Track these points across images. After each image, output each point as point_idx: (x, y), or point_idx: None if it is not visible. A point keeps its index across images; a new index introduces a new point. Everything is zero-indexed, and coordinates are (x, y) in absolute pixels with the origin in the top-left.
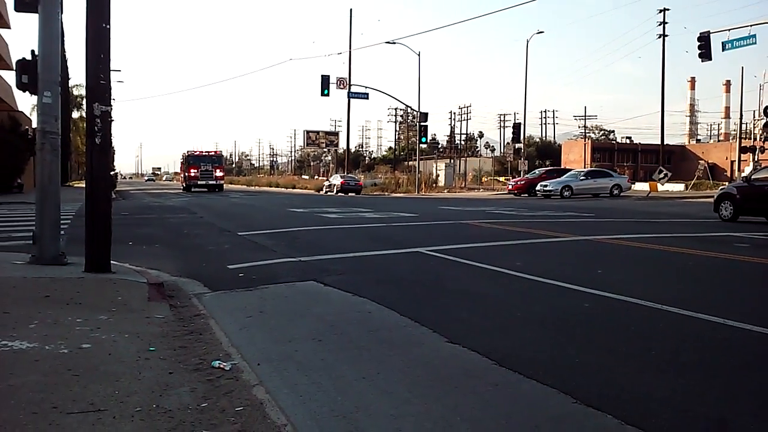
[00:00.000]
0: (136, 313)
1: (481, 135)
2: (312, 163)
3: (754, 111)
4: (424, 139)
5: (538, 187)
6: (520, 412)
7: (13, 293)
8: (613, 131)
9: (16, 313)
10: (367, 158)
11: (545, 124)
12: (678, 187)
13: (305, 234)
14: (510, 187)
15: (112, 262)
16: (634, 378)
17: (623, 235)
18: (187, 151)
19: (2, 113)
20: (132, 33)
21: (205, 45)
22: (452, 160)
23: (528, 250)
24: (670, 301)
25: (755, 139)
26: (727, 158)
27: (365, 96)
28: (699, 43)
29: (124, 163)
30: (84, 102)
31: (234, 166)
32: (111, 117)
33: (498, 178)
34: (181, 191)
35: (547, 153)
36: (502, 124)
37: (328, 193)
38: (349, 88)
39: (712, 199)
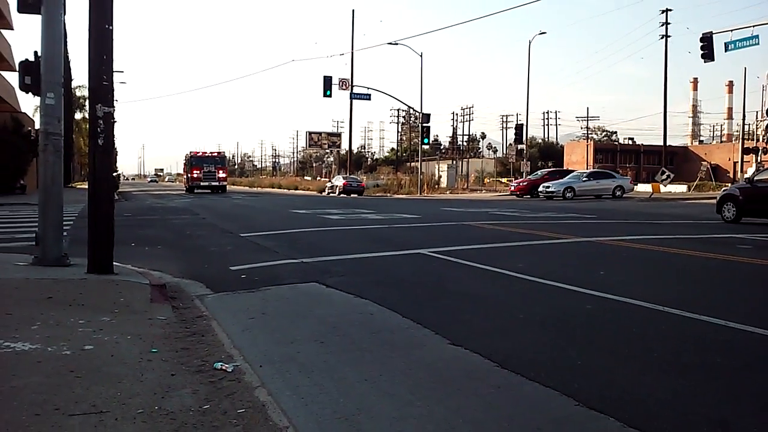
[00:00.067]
0: (139, 314)
1: (483, 136)
2: (314, 165)
3: (756, 112)
4: (426, 140)
5: (540, 189)
6: (522, 414)
7: (15, 294)
8: (616, 132)
9: (19, 314)
10: (369, 159)
11: (548, 125)
12: (681, 188)
13: (307, 235)
14: (512, 188)
15: (114, 263)
16: (636, 380)
17: (625, 236)
18: (190, 152)
19: (5, 114)
20: (134, 34)
21: (207, 46)
22: (454, 162)
23: (530, 252)
24: (672, 302)
25: (758, 141)
26: (729, 159)
27: (367, 97)
28: (701, 44)
29: (126, 165)
30: (87, 103)
31: (236, 167)
32: (114, 118)
33: (500, 180)
34: (183, 192)
35: (550, 154)
36: (505, 125)
37: (331, 195)
38: (352, 89)
39: (714, 201)
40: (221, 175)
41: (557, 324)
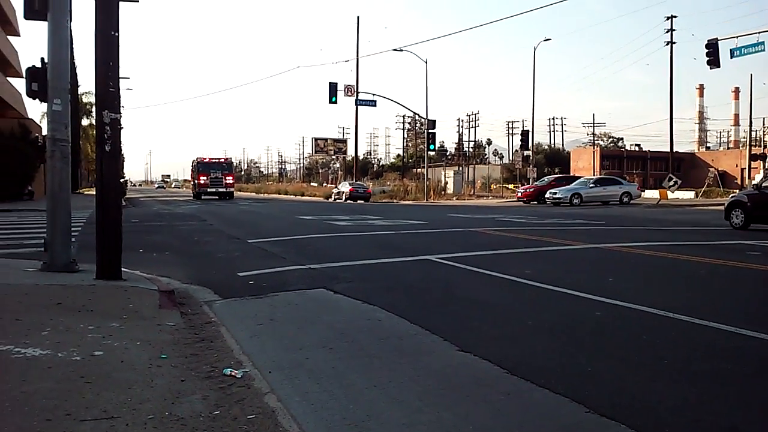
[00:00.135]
0: (148, 320)
1: (489, 142)
2: (320, 171)
3: (764, 118)
4: (432, 147)
5: (547, 195)
6: (531, 421)
7: (25, 300)
8: (622, 139)
9: (29, 320)
10: (375, 165)
11: (554, 131)
12: (688, 194)
13: (314, 241)
14: (519, 194)
15: (122, 269)
16: (646, 387)
17: (634, 243)
18: (197, 158)
19: (13, 121)
20: (141, 41)
21: (213, 53)
22: (461, 168)
23: (538, 258)
24: (681, 309)
25: (765, 147)
26: (737, 166)
27: (373, 103)
28: (707, 50)
29: (133, 171)
30: (93, 109)
31: (243, 173)
32: (120, 124)
33: (507, 186)
34: (190, 198)
35: (556, 160)
36: (511, 132)
37: (337, 201)
38: (357, 96)
39: (722, 207)
40: (228, 181)
41: (566, 331)
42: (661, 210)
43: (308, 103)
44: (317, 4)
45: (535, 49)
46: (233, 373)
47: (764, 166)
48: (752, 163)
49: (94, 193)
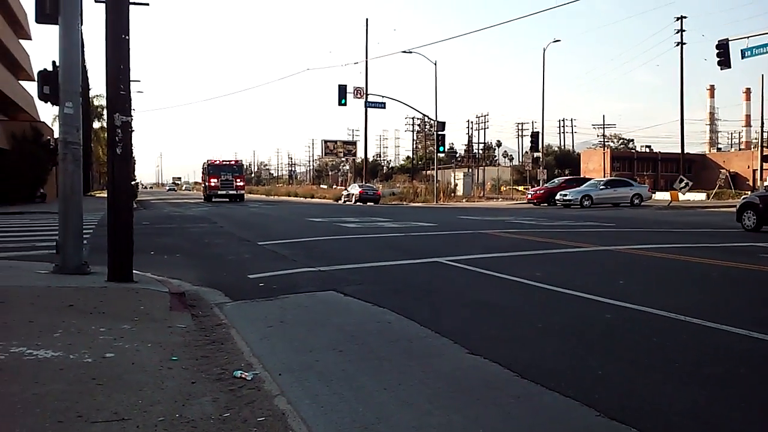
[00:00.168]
0: (159, 322)
1: (499, 144)
2: (330, 173)
3: None
4: (441, 149)
5: (557, 197)
6: (542, 424)
7: (37, 302)
8: (633, 140)
9: (41, 321)
10: (385, 167)
11: (563, 132)
12: (699, 196)
13: (324, 243)
14: (529, 196)
15: (134, 271)
16: (657, 390)
17: (644, 245)
18: (208, 161)
19: (25, 124)
20: (151, 44)
21: (223, 55)
22: (470, 170)
23: (548, 261)
24: (692, 312)
25: None
26: (749, 167)
27: (382, 105)
28: (718, 51)
29: (144, 173)
30: (105, 112)
31: (253, 175)
32: (131, 127)
33: (517, 188)
34: (201, 201)
35: (566, 162)
36: (520, 133)
37: (347, 203)
38: (366, 98)
39: (734, 209)
40: (239, 183)
41: (577, 333)
42: (672, 212)
43: (318, 105)
44: (327, 7)
45: (544, 50)
46: (243, 375)
47: None
48: (764, 164)
49: (106, 195)
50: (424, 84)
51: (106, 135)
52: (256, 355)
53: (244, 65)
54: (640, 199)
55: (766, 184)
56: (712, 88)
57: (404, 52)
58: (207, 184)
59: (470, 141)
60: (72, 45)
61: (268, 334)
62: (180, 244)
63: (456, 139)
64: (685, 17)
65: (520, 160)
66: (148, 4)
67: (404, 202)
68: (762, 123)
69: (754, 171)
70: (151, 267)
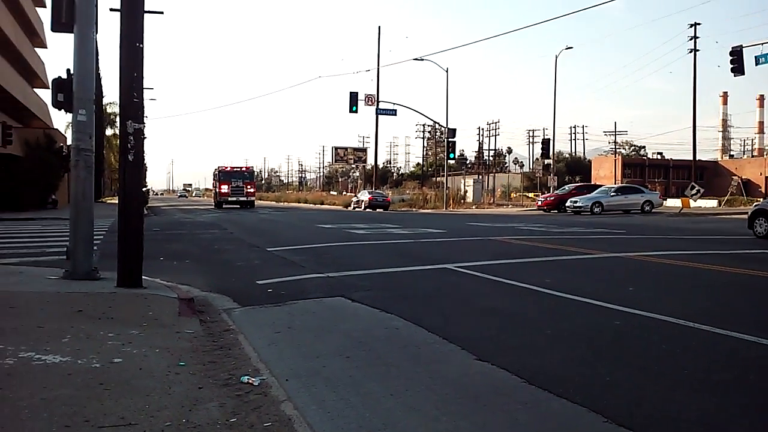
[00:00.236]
0: (167, 328)
1: (509, 151)
2: (340, 179)
3: None
4: (452, 155)
5: (567, 203)
6: (549, 431)
7: (47, 308)
8: (644, 147)
9: (50, 327)
10: (395, 174)
11: (575, 139)
12: (711, 203)
13: (333, 250)
14: (539, 203)
15: (143, 277)
16: (666, 397)
17: (655, 252)
18: (219, 167)
19: (38, 131)
20: (164, 51)
21: (235, 63)
22: (480, 176)
23: (557, 267)
24: (702, 318)
25: None
26: (761, 174)
27: (393, 112)
28: (731, 58)
29: (156, 180)
30: (117, 119)
31: (263, 182)
32: (143, 134)
33: (527, 194)
34: (212, 207)
35: (577, 169)
36: (531, 140)
37: (356, 209)
38: (377, 105)
39: (746, 216)
40: (249, 190)
41: (585, 340)
42: (683, 219)
43: (329, 112)
44: (339, 16)
45: (556, 57)
46: (250, 381)
47: None
48: None
49: (117, 201)
50: (435, 91)
51: (118, 142)
52: (264, 361)
53: (256, 73)
54: (651, 206)
55: None
56: (725, 95)
57: (416, 59)
58: (218, 190)
59: (481, 147)
60: (86, 53)
61: (276, 340)
62: (190, 250)
63: (466, 145)
64: (699, 24)
65: (531, 166)
66: (162, 13)
67: (414, 209)
68: None
69: (767, 178)
70: (161, 273)
